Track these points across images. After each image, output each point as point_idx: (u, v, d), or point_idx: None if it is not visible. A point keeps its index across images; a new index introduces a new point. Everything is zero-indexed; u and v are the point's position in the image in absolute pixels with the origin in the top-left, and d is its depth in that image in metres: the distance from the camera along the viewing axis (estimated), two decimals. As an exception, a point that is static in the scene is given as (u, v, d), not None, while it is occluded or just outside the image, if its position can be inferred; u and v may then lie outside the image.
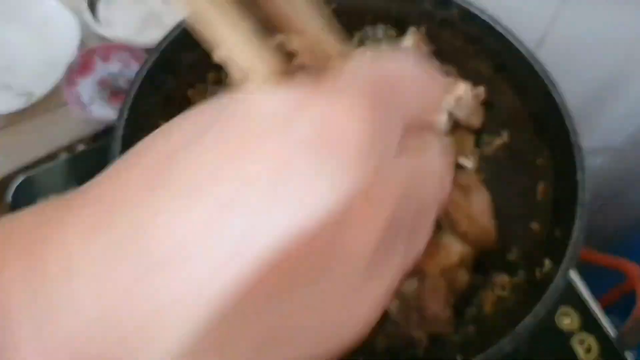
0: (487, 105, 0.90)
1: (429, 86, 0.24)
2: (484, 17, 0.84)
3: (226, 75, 0.89)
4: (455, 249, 0.75)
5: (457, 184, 0.74)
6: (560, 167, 0.78)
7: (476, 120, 0.88)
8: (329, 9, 0.89)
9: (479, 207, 0.77)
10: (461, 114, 0.85)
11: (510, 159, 0.87)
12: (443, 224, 0.74)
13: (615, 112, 1.22)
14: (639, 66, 1.10)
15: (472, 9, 0.84)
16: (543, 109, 0.80)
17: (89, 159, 0.90)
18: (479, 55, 0.88)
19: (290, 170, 0.18)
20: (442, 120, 0.86)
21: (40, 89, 0.96)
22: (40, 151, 0.94)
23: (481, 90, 0.87)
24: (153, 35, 1.08)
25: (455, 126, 0.88)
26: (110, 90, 1.00)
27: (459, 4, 0.85)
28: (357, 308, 0.21)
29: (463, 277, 0.77)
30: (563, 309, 0.83)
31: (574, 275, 0.88)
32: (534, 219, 0.81)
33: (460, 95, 0.86)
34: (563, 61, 1.09)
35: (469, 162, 0.84)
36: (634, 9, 0.98)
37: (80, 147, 0.92)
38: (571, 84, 0.98)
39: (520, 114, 0.86)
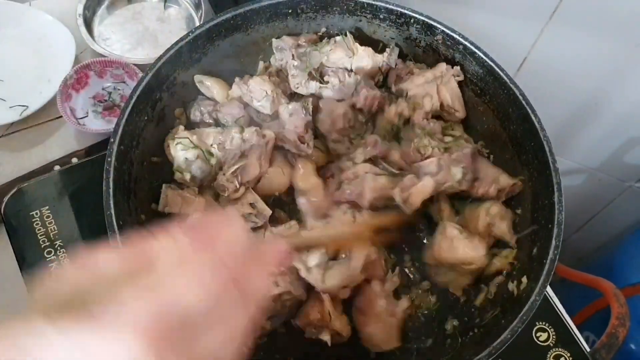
0: (469, 127, 0.93)
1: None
2: (466, 43, 0.87)
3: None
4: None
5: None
6: (538, 188, 0.81)
7: (459, 107, 0.91)
8: (315, 32, 0.90)
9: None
10: (446, 95, 0.89)
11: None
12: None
13: (592, 134, 1.25)
14: (615, 91, 1.13)
15: (456, 35, 0.87)
16: (522, 132, 0.83)
17: (82, 172, 0.91)
18: (461, 80, 0.91)
19: None
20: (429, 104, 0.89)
21: (35, 102, 0.98)
22: (34, 163, 0.95)
23: (457, 69, 0.90)
24: (147, 52, 1.11)
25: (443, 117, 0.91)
26: (104, 105, 1.02)
27: (443, 30, 0.88)
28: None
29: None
30: (540, 324, 0.86)
31: (551, 292, 0.90)
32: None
33: (442, 71, 0.89)
34: (542, 85, 1.12)
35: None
36: (608, 36, 1.02)
37: (74, 160, 0.93)
38: (550, 107, 1.01)
39: (500, 136, 0.89)
